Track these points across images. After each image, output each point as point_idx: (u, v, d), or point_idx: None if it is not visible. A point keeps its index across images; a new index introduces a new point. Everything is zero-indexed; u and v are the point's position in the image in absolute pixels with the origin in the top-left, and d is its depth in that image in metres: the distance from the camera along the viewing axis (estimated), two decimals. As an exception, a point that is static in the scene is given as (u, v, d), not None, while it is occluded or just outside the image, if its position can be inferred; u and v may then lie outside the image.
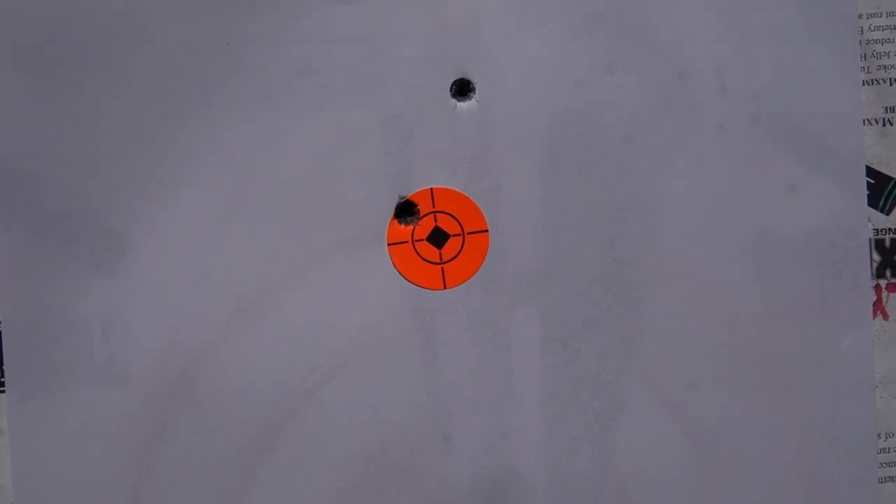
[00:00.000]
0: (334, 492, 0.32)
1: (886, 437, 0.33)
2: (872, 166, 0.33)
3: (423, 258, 0.32)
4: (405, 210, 0.32)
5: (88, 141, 0.31)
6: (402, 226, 0.32)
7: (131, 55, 0.31)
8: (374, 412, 0.32)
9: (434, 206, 0.32)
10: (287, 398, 0.32)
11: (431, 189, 0.32)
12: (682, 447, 0.33)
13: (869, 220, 0.33)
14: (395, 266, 0.32)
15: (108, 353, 0.31)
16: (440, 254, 0.32)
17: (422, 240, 0.32)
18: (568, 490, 0.32)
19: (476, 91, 0.32)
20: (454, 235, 0.32)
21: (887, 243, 0.33)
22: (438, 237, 0.32)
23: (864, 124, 0.33)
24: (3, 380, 0.31)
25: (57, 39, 0.31)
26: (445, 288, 0.32)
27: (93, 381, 0.31)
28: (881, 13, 0.33)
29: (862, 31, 0.33)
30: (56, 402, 0.31)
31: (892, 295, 0.33)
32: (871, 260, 0.33)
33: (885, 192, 0.33)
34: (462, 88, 0.32)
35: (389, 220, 0.32)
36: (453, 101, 0.32)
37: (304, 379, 0.32)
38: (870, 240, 0.33)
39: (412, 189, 0.32)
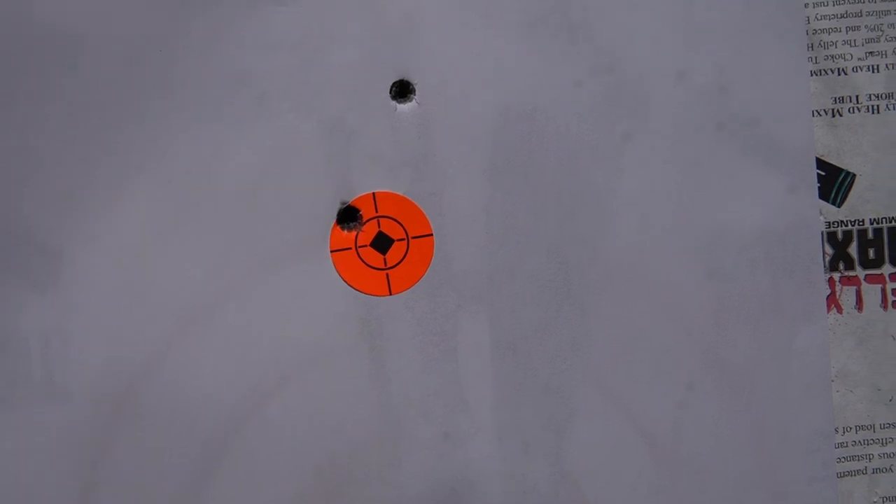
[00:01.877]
0: (283, 506, 0.31)
1: (844, 432, 0.33)
2: (823, 158, 0.33)
3: (367, 264, 0.31)
4: (348, 216, 0.31)
5: (19, 155, 0.30)
6: (345, 232, 0.31)
7: (62, 66, 0.30)
8: (322, 423, 0.31)
9: (377, 211, 0.31)
10: (233, 412, 0.31)
11: (374, 193, 0.31)
12: (637, 450, 0.32)
13: (820, 213, 0.33)
14: (339, 273, 0.31)
15: (46, 370, 0.31)
16: (384, 259, 0.31)
17: (365, 245, 0.31)
18: (523, 496, 0.32)
19: (417, 92, 0.31)
20: (398, 240, 0.31)
21: (839, 236, 0.33)
22: (382, 242, 0.31)
23: (813, 116, 0.32)
24: (-63, 402, 0.30)
25: (-17, 50, 0.30)
26: (391, 294, 0.31)
27: (32, 400, 0.30)
28: (827, 2, 0.32)
29: (808, 20, 0.32)
30: (-6, 423, 0.30)
31: (845, 288, 0.33)
32: (824, 253, 0.33)
33: (836, 184, 0.33)
34: (402, 90, 0.31)
35: (332, 226, 0.31)
36: (393, 103, 0.31)
37: (250, 392, 0.31)
38: (822, 233, 0.33)
39: (354, 194, 0.31)
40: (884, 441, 0.33)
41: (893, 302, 0.33)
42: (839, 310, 0.33)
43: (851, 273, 0.33)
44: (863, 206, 0.33)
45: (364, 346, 0.31)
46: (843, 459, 0.33)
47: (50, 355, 0.31)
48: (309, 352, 0.31)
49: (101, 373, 0.31)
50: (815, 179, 0.32)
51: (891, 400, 0.33)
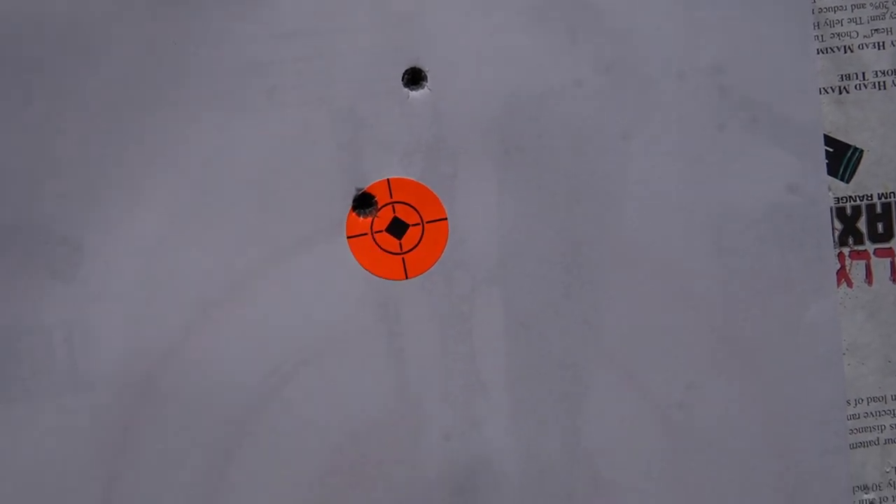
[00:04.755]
0: (305, 486, 0.32)
1: (856, 404, 0.34)
2: (830, 135, 0.33)
3: (383, 249, 0.32)
4: (363, 202, 0.32)
5: (38, 149, 0.31)
6: (361, 218, 0.32)
7: (77, 61, 0.31)
8: (341, 406, 0.32)
9: (392, 197, 0.32)
10: (253, 396, 0.32)
11: (388, 180, 0.32)
12: (650, 424, 0.33)
13: (829, 189, 0.33)
14: (355, 259, 0.32)
15: (70, 359, 0.31)
16: (400, 244, 0.32)
17: (381, 231, 0.32)
18: (539, 474, 0.32)
19: (428, 79, 0.32)
20: (413, 225, 0.32)
21: (848, 211, 0.33)
22: (398, 227, 0.32)
23: (820, 93, 0.33)
24: (-34, 393, 0.31)
25: (0, 49, 0.30)
26: (407, 278, 0.32)
27: (57, 390, 0.31)
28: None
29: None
30: (20, 412, 0.31)
31: (854, 262, 0.33)
32: (833, 229, 0.33)
33: (845, 160, 0.33)
34: (414, 77, 0.32)
35: (348, 212, 0.32)
36: (406, 90, 0.32)
37: (270, 376, 0.32)
38: (831, 208, 0.33)
39: (369, 181, 0.32)
40: (895, 412, 0.34)
41: (902, 275, 0.33)
42: (849, 284, 0.33)
43: (861, 247, 0.33)
44: (871, 181, 0.33)
45: (381, 329, 0.32)
46: (855, 431, 0.33)
47: (73, 345, 0.31)
48: (327, 336, 0.32)
49: (123, 361, 0.31)
50: (824, 156, 0.33)
51: (901, 372, 0.34)
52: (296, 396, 0.32)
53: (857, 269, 0.33)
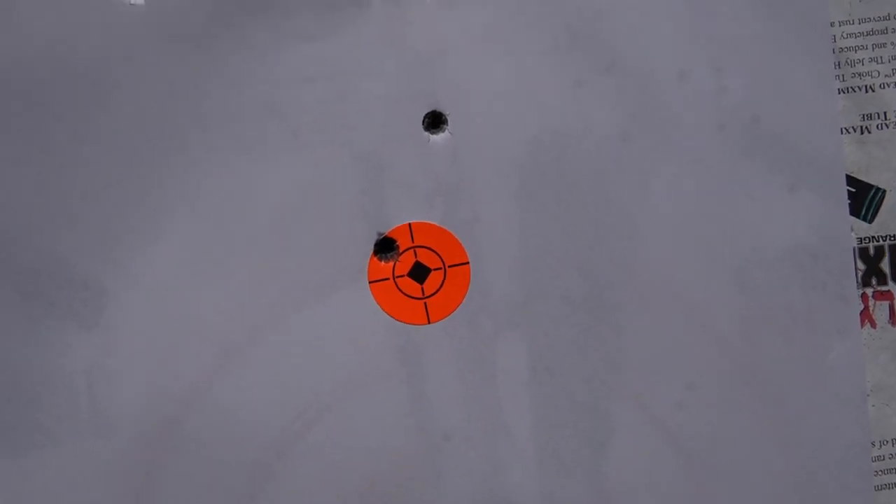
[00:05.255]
0: (329, 533, 0.32)
1: (881, 445, 0.33)
2: (852, 175, 0.33)
3: (405, 294, 0.32)
4: (385, 246, 0.32)
5: (61, 195, 0.31)
6: (383, 262, 0.32)
7: (98, 105, 0.31)
8: (363, 449, 0.32)
9: (413, 241, 0.32)
10: (276, 440, 0.32)
11: (410, 224, 0.32)
12: (674, 466, 0.33)
13: (851, 230, 0.33)
14: (377, 303, 0.32)
15: (93, 405, 0.31)
16: (422, 288, 0.32)
17: (403, 275, 0.32)
18: (563, 517, 0.32)
19: (448, 122, 0.32)
20: (435, 269, 0.32)
21: (871, 251, 0.33)
22: (420, 272, 0.32)
23: (841, 133, 0.33)
24: (-11, 440, 0.31)
25: (23, 94, 0.30)
26: (429, 322, 0.32)
27: (80, 435, 0.31)
28: (853, 20, 0.32)
29: (835, 39, 0.32)
30: (44, 459, 0.31)
31: (878, 303, 0.33)
32: (856, 269, 0.33)
33: (867, 200, 0.33)
34: (434, 121, 0.32)
35: (369, 257, 0.32)
36: (426, 134, 0.32)
37: (293, 421, 0.32)
38: (854, 249, 0.33)
39: (390, 225, 0.32)
40: (920, 453, 0.33)
41: (926, 315, 0.33)
42: (873, 324, 0.33)
43: (884, 288, 0.33)
44: (894, 222, 0.33)
45: (403, 374, 0.32)
46: (879, 472, 0.33)
47: (95, 390, 0.31)
48: (349, 380, 0.32)
49: (146, 405, 0.31)
50: (846, 195, 0.32)
51: (926, 412, 0.33)
52: (318, 440, 0.32)
53: (880, 310, 0.33)
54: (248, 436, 0.31)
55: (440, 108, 0.32)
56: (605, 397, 0.32)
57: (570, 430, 0.32)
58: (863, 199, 0.33)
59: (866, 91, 0.33)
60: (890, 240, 0.33)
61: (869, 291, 0.33)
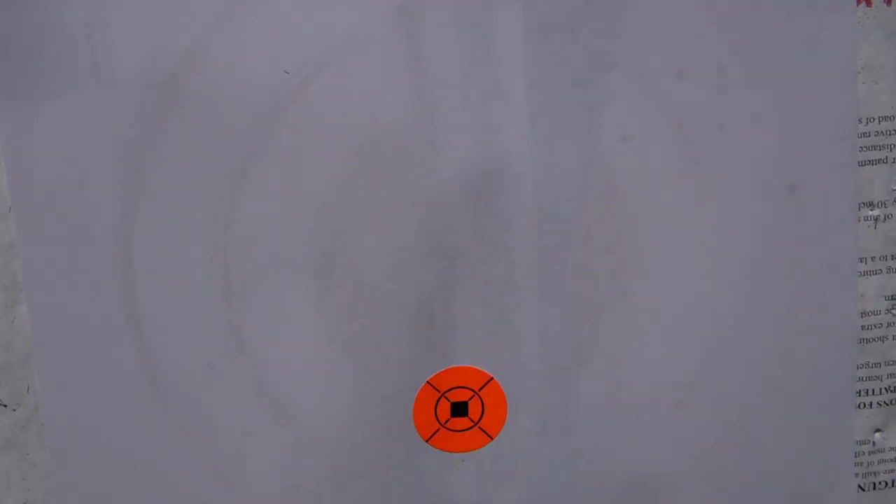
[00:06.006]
0: (323, 185, 0.33)
1: (867, 122, 0.34)
2: None
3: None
4: None
5: None
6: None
7: None
8: (362, 107, 0.32)
9: None
10: (275, 97, 0.32)
11: None
12: (667, 136, 0.33)
13: None
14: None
15: (92, 58, 0.31)
16: (422, -56, 0.32)
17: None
18: (555, 180, 0.33)
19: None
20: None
21: (872, -75, 0.33)
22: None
23: None
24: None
25: None
26: None
27: (79, 87, 0.31)
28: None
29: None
30: (44, 107, 0.31)
31: (875, -23, 0.33)
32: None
33: None
34: None
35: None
36: None
37: (292, 77, 0.32)
38: (855, -78, 0.33)
39: None
40: (905, 131, 0.34)
41: (922, -6, 0.33)
42: (868, 3, 0.33)
43: (882, -39, 0.33)
44: None
45: (402, 35, 0.32)
46: (864, 149, 0.34)
47: (95, 43, 0.31)
48: (349, 38, 0.32)
49: (147, 59, 0.31)
50: None
51: (914, 91, 0.34)
52: (317, 98, 0.32)
53: (877, -14, 0.33)
54: (247, 91, 0.32)
55: None
56: (602, 65, 0.33)
57: (565, 95, 0.33)
58: None
59: None
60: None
61: (867, -34, 0.33)
